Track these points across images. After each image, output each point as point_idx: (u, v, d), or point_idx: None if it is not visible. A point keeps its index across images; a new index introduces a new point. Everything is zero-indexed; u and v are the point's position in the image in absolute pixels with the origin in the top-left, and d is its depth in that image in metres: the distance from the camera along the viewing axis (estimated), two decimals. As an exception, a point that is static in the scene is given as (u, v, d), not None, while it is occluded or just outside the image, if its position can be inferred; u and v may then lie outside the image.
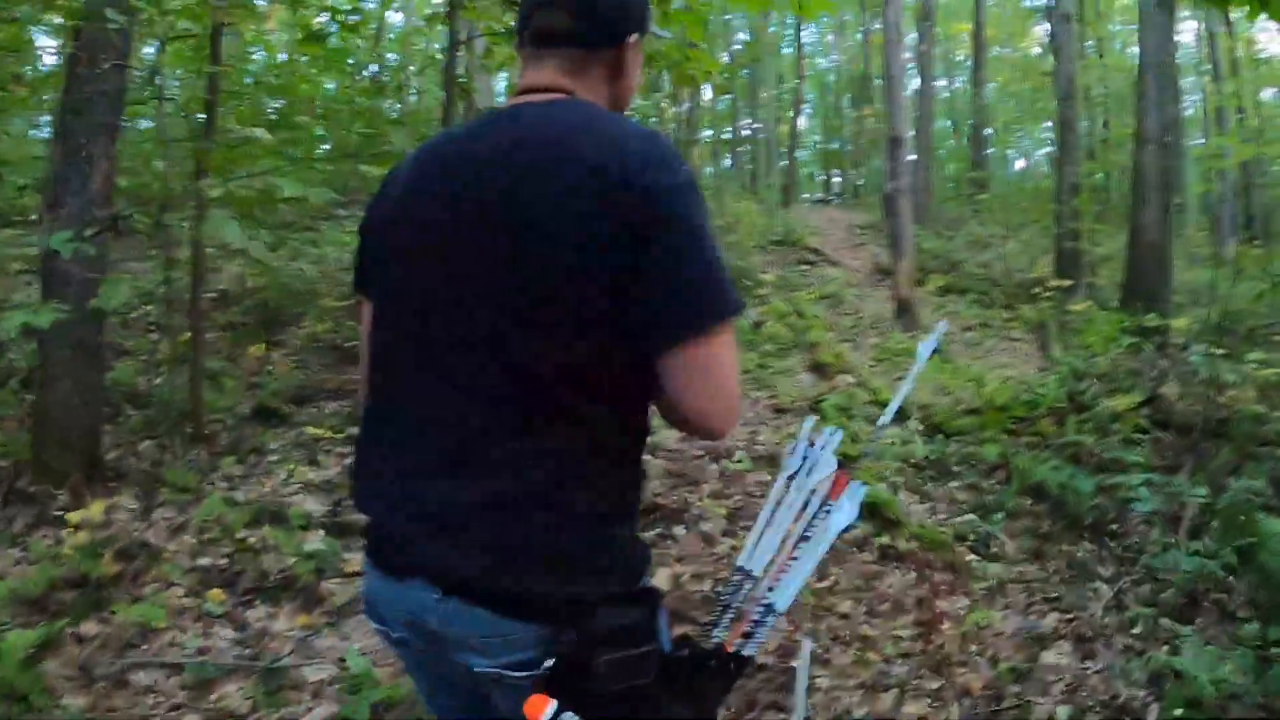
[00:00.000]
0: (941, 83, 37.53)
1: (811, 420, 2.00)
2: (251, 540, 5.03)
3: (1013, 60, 31.43)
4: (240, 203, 5.89)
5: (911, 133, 20.14)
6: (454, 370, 1.38)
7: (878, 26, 31.52)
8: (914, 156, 21.84)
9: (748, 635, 1.61)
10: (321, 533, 5.13)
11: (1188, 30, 24.18)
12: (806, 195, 38.08)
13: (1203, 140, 22.84)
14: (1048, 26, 26.38)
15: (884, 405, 7.79)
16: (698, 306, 1.31)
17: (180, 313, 7.01)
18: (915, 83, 23.05)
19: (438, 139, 1.57)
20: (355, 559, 4.84)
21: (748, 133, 29.44)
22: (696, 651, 1.52)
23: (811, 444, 1.86)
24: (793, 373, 9.16)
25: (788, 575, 1.65)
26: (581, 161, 1.32)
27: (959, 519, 5.42)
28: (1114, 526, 5.55)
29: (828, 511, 1.70)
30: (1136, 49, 13.18)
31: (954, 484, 6.04)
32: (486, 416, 1.36)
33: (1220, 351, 7.05)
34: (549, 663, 1.33)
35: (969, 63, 28.61)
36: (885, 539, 4.85)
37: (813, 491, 1.76)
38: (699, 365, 1.32)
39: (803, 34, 29.31)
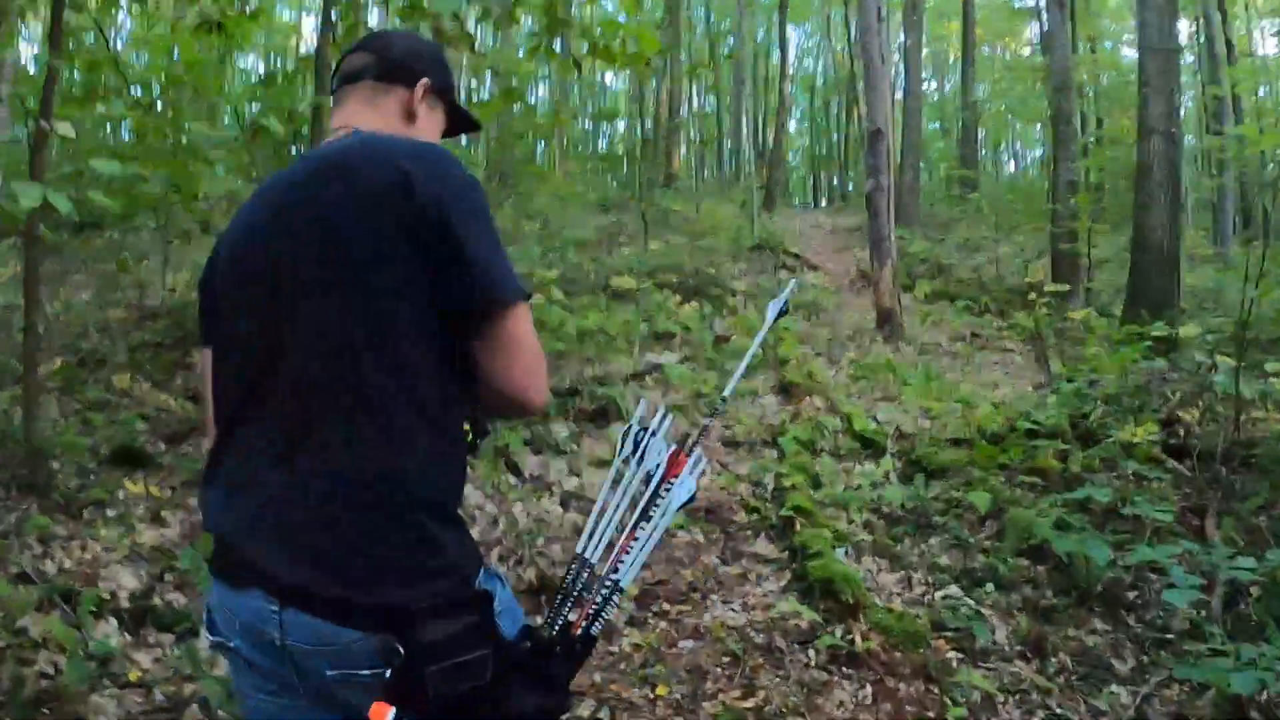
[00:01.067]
0: (932, 85, 36.59)
1: (645, 404, 1.96)
2: (34, 631, 3.89)
3: (1003, 61, 30.40)
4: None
5: (897, 130, 19.03)
6: (280, 386, 1.44)
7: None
8: (900, 155, 20.73)
9: (593, 616, 1.60)
10: (115, 623, 3.96)
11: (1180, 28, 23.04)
12: (798, 201, 37.05)
13: (1192, 140, 21.70)
14: (1038, 26, 25.43)
15: (857, 434, 6.59)
16: (491, 292, 1.42)
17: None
18: (901, 79, 21.94)
19: (260, 188, 1.64)
20: (148, 659, 3.71)
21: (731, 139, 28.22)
22: (540, 641, 1.52)
23: (645, 429, 1.83)
24: (757, 395, 7.97)
25: (630, 555, 1.66)
26: (367, 183, 1.42)
27: (940, 593, 4.23)
28: (1133, 596, 4.39)
29: (668, 489, 1.70)
30: (1127, 49, 11.99)
31: (934, 541, 4.84)
32: (308, 426, 1.40)
33: (1237, 365, 5.91)
34: (386, 671, 1.33)
35: (959, 64, 27.55)
36: (838, 634, 3.65)
37: (649, 474, 1.77)
38: (505, 342, 1.43)
39: (790, 34, 28.24)
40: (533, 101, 31.75)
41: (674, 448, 1.77)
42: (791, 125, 42.61)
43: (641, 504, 1.71)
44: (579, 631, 1.58)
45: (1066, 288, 12.95)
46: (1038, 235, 17.13)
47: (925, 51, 28.49)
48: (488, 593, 1.44)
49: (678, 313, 9.94)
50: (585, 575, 1.67)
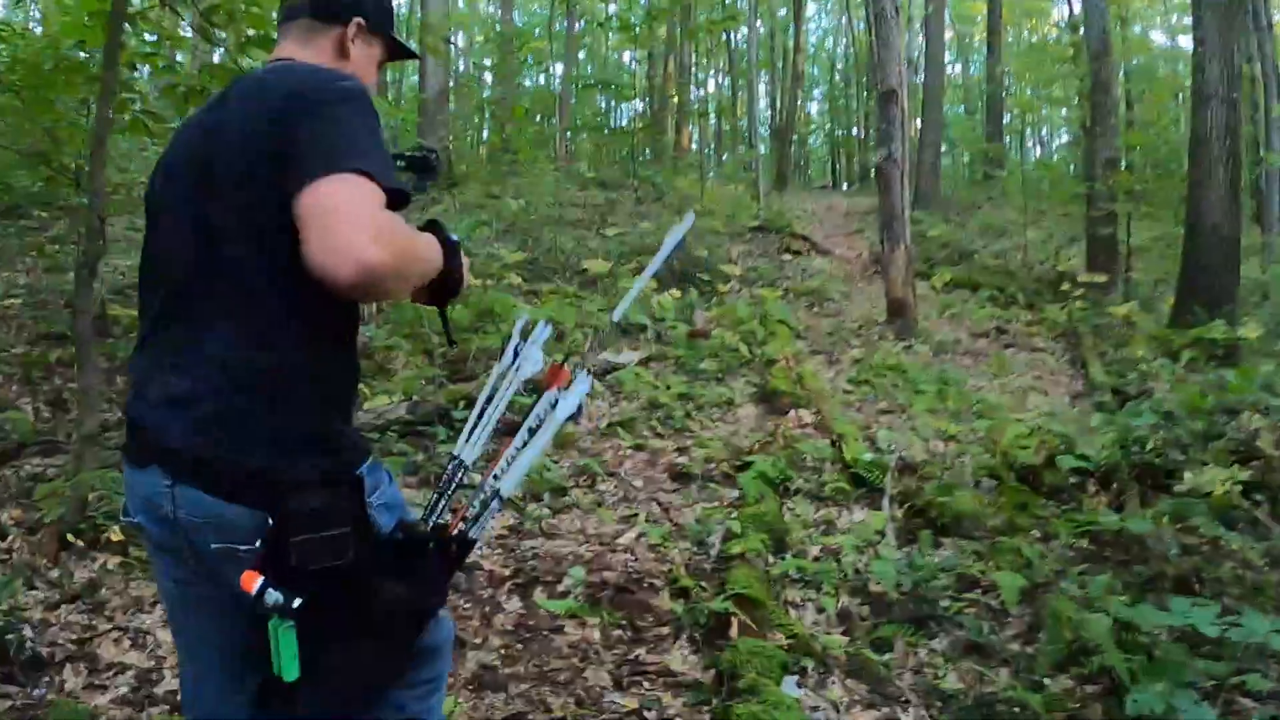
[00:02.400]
0: (956, 69, 34.62)
1: (524, 318, 1.98)
2: None
3: (1029, 44, 28.46)
4: None
5: (915, 104, 17.43)
6: (176, 277, 1.52)
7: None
8: (919, 132, 19.00)
9: (472, 520, 1.59)
10: None
11: None
12: (818, 184, 35.21)
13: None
14: (1067, 6, 23.50)
15: (848, 466, 5.05)
16: (315, 162, 1.36)
17: None
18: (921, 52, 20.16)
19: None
20: None
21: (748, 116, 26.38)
22: (412, 534, 1.55)
23: (523, 338, 1.87)
24: (731, 404, 6.42)
25: (515, 464, 1.63)
26: (263, 94, 1.50)
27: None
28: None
29: (554, 404, 1.66)
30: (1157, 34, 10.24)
31: (939, 644, 3.31)
32: (196, 322, 1.49)
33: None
34: (257, 543, 1.39)
35: (984, 46, 25.70)
36: None
37: (527, 382, 1.83)
38: (304, 214, 1.34)
39: (809, 7, 26.43)
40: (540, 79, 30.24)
41: (553, 360, 1.78)
42: (813, 108, 40.85)
43: (531, 417, 1.66)
44: (454, 532, 1.57)
45: (1104, 278, 11.30)
46: (1068, 220, 15.44)
47: (949, 34, 26.57)
48: (359, 477, 1.50)
49: (654, 301, 8.37)
50: (459, 475, 1.72)
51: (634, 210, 14.72)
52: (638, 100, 25.74)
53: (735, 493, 4.64)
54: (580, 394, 1.63)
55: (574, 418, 1.66)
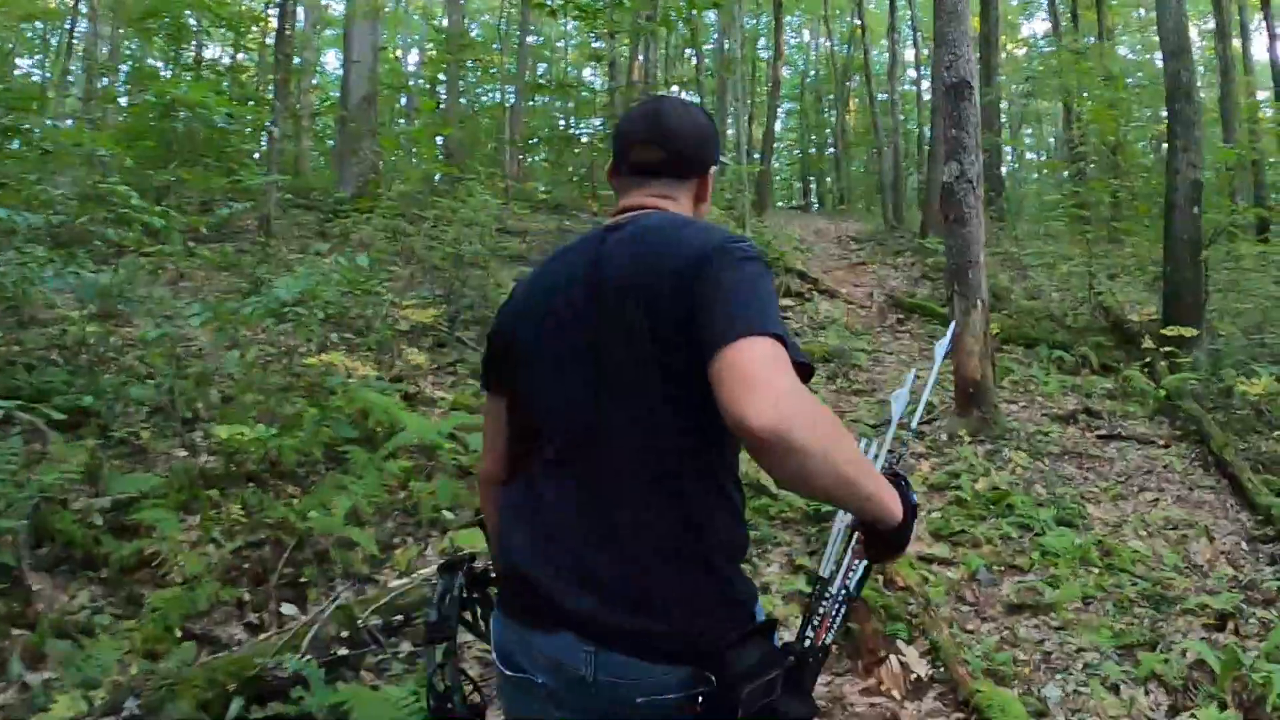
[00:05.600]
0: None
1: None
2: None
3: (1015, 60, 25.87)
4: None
5: (917, 115, 14.73)
6: (596, 451, 1.49)
7: (857, 22, 26.22)
8: (905, 144, 16.19)
9: (831, 628, 1.64)
10: None
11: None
12: (781, 203, 32.27)
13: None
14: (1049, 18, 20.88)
15: None
16: (733, 323, 1.35)
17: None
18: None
19: (550, 259, 1.68)
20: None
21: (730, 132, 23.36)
22: (800, 655, 1.53)
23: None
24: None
25: (858, 566, 1.65)
26: (663, 249, 1.49)
27: None
28: None
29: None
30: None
31: None
32: (620, 488, 1.47)
33: None
34: (699, 699, 1.38)
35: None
36: None
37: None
38: (733, 365, 1.31)
39: (784, 24, 23.55)
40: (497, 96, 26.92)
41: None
42: (777, 126, 37.73)
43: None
44: (820, 643, 1.63)
45: (1194, 332, 8.48)
46: (1082, 243, 12.59)
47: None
48: (774, 620, 1.60)
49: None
50: (828, 593, 1.70)
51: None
52: (595, 119, 22.68)
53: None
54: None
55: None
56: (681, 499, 1.45)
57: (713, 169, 1.71)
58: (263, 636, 3.28)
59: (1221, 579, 4.39)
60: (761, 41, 29.63)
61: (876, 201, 21.84)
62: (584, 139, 23.85)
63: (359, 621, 3.29)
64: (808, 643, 1.62)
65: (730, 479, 1.51)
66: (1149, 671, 3.41)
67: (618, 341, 1.47)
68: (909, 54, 25.59)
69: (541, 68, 28.03)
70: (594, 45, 21.22)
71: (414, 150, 17.04)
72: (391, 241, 8.63)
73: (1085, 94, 15.49)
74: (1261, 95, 18.39)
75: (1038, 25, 32.88)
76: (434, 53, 27.45)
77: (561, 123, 25.10)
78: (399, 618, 3.40)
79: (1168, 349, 8.20)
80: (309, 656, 3.02)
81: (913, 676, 3.13)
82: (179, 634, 3.22)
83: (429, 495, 4.29)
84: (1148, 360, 8.29)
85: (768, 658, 1.41)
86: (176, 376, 4.62)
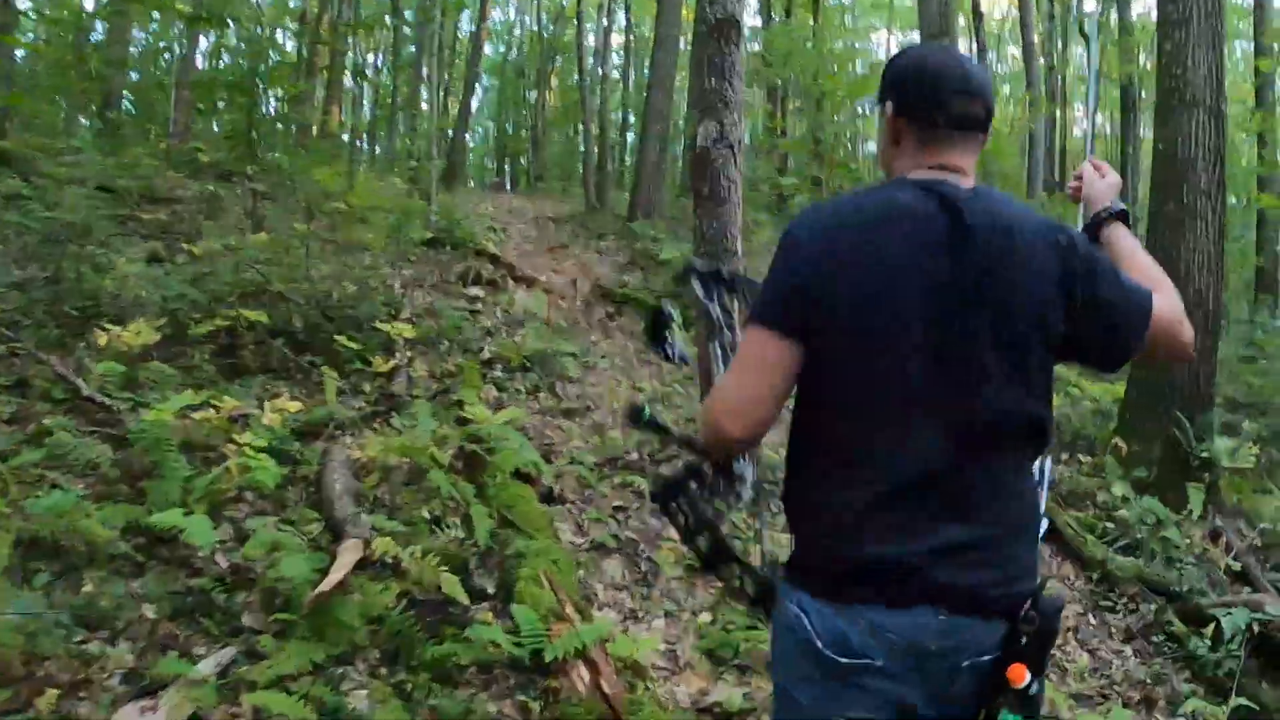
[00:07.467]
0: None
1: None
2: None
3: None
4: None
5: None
6: (949, 422, 1.48)
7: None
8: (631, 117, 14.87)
9: None
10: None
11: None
12: (473, 184, 30.12)
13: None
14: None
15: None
16: (1138, 299, 1.56)
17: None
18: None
19: (866, 204, 1.57)
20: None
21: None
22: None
23: None
24: None
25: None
26: (1037, 233, 1.51)
27: None
28: None
29: None
30: None
31: None
32: (977, 477, 1.49)
33: None
34: (1022, 640, 1.47)
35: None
36: None
37: None
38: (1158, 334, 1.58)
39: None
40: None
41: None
42: (472, 103, 35.20)
43: None
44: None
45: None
46: None
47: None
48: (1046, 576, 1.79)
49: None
50: None
51: (248, 211, 9.15)
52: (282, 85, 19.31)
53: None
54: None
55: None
56: (1021, 483, 1.56)
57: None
58: None
59: (1081, 673, 3.18)
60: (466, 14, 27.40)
61: (575, 181, 20.41)
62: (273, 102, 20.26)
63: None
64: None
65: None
66: None
67: (988, 329, 1.47)
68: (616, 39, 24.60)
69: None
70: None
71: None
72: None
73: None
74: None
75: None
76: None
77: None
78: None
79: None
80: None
81: None
82: None
83: None
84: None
85: (1052, 602, 1.52)
86: None
